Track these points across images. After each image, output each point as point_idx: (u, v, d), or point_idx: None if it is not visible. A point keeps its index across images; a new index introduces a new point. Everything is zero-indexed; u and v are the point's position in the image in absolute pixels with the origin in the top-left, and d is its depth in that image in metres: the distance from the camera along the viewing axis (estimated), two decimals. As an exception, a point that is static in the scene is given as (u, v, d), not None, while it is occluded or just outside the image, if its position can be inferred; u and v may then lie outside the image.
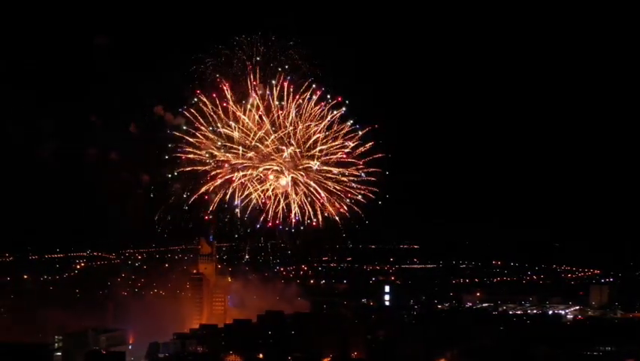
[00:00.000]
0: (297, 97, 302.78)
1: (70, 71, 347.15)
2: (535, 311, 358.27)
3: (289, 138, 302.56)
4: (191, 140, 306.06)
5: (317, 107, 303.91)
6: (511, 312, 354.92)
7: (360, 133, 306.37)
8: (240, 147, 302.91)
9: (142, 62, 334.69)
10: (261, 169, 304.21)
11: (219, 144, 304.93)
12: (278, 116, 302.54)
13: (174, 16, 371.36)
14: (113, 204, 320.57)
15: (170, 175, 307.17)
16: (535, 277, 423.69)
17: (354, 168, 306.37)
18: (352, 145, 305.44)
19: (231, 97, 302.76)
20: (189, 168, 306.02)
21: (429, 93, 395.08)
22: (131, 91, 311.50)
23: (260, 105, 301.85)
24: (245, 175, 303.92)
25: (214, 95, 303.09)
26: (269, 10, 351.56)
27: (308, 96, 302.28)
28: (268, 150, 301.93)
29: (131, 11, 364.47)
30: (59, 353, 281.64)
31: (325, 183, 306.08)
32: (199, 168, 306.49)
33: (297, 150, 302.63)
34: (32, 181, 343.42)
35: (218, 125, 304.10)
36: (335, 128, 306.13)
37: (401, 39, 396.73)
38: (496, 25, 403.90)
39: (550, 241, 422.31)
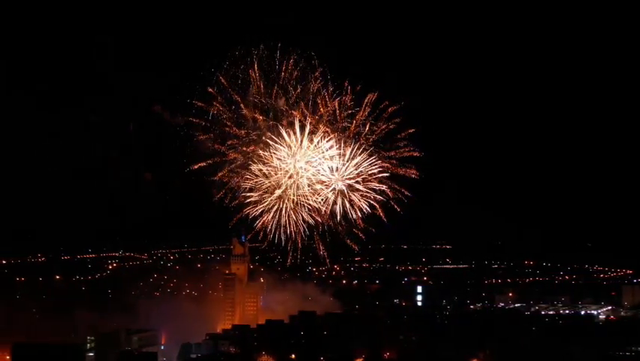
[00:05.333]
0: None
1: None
2: (567, 312, 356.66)
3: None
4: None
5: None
6: (543, 312, 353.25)
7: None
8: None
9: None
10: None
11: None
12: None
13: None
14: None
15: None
16: (567, 277, 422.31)
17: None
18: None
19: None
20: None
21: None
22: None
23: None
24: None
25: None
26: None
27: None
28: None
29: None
30: (92, 354, 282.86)
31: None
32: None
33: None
34: (64, 182, 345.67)
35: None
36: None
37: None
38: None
39: (582, 240, 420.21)
